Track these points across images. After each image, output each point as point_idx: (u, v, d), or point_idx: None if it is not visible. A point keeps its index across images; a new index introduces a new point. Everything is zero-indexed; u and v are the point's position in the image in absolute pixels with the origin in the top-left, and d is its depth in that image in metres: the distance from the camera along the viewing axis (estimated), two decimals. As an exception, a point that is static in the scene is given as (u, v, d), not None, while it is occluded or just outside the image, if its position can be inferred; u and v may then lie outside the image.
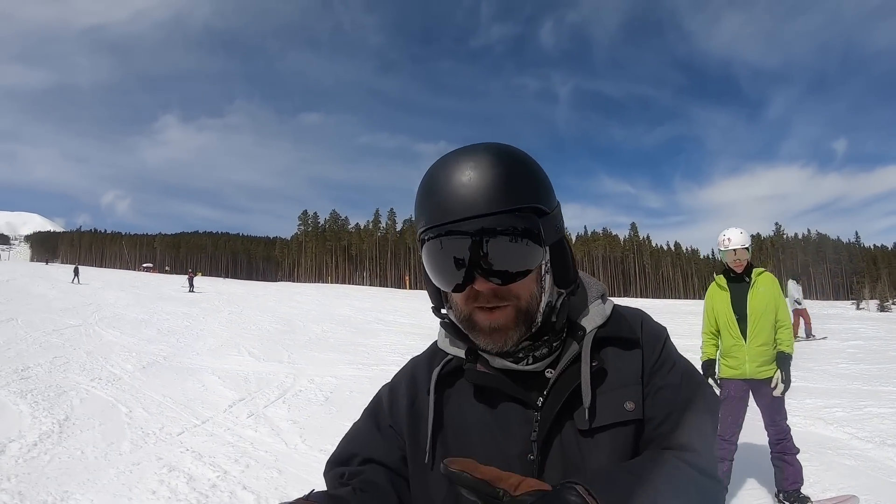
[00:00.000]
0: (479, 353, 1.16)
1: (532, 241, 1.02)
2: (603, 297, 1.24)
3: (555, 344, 1.14)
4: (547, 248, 1.08)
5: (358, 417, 1.33)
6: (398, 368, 1.34)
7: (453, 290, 1.04)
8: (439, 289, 1.14)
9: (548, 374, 1.13)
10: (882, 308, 65.13)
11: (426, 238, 1.05)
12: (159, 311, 24.90)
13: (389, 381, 1.34)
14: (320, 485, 1.15)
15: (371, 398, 1.34)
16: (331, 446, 1.29)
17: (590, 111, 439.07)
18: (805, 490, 5.57)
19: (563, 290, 1.15)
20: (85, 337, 16.52)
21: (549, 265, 1.11)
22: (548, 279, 1.11)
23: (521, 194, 1.03)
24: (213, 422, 8.56)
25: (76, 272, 47.69)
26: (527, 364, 1.13)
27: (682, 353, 1.24)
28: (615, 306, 1.25)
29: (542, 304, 1.09)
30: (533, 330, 1.09)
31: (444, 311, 1.18)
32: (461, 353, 1.19)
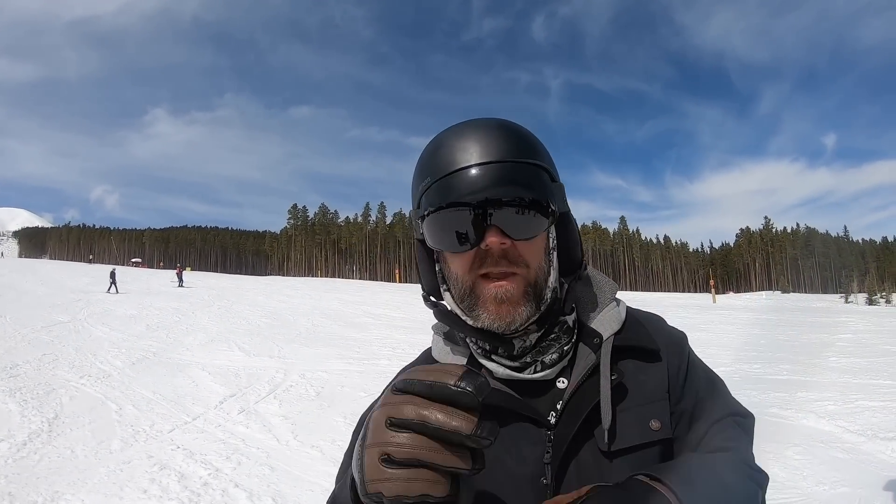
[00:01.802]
0: (478, 360, 1.07)
1: (544, 199, 0.98)
2: (616, 299, 1.16)
3: (565, 348, 1.06)
4: (555, 216, 1.01)
5: (348, 445, 1.10)
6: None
7: (462, 247, 0.97)
8: (434, 271, 1.09)
9: (559, 384, 1.04)
10: (870, 302, 65.96)
11: (431, 191, 1.00)
12: (148, 307, 24.74)
13: (378, 398, 1.09)
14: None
15: (358, 419, 1.14)
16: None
17: (581, 105, 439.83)
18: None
19: (564, 280, 1.10)
20: (74, 333, 16.44)
21: (555, 241, 1.06)
22: (554, 258, 1.05)
23: (533, 153, 1.02)
24: (204, 418, 8.54)
25: (113, 278, 34.66)
26: (534, 372, 1.04)
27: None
28: (629, 309, 1.17)
29: (551, 281, 1.03)
30: (541, 309, 1.01)
31: (434, 298, 1.13)
32: (461, 363, 1.09)
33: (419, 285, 1.15)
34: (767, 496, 0.98)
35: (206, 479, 6.19)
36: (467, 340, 1.10)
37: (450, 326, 1.10)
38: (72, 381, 10.61)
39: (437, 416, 0.66)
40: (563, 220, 1.07)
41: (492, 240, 0.94)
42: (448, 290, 1.07)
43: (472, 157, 0.97)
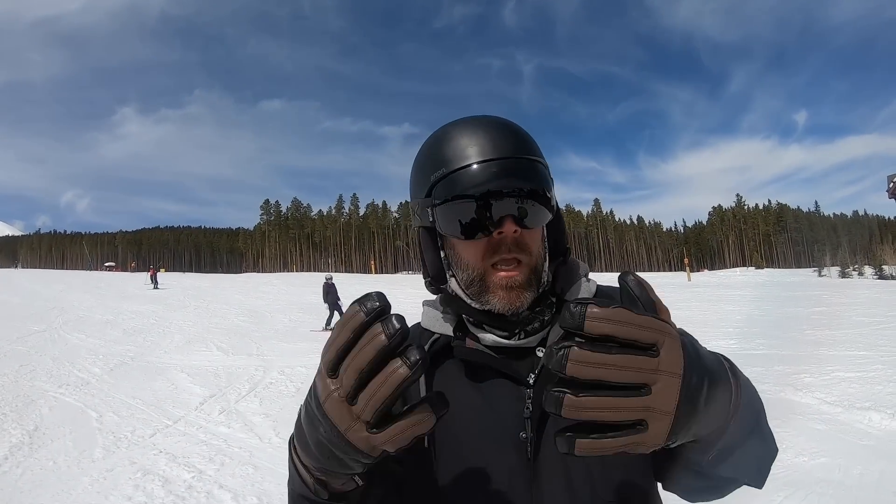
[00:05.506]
0: (469, 328, 1.17)
1: (549, 191, 1.08)
2: (587, 276, 1.27)
3: (546, 318, 1.15)
4: (556, 208, 1.13)
5: None
6: None
7: (477, 235, 1.05)
8: (439, 257, 1.16)
9: (539, 353, 1.13)
10: (843, 275, 67.08)
11: (446, 181, 1.07)
12: (124, 311, 24.52)
13: None
14: None
15: None
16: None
17: (553, 89, 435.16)
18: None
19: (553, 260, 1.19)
20: (50, 342, 16.19)
21: (546, 230, 1.15)
22: (546, 245, 1.15)
23: (536, 150, 1.12)
24: (185, 421, 8.55)
25: (333, 296, 20.63)
26: (519, 339, 1.13)
27: None
28: (598, 286, 1.27)
29: (546, 266, 1.13)
30: (539, 292, 1.11)
31: (437, 283, 1.20)
32: (448, 331, 1.19)
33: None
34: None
35: (191, 481, 6.22)
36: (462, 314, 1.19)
37: (454, 309, 1.19)
38: (50, 391, 10.50)
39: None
40: (555, 211, 1.16)
41: (508, 227, 1.03)
42: (454, 275, 1.15)
43: (485, 151, 1.05)
